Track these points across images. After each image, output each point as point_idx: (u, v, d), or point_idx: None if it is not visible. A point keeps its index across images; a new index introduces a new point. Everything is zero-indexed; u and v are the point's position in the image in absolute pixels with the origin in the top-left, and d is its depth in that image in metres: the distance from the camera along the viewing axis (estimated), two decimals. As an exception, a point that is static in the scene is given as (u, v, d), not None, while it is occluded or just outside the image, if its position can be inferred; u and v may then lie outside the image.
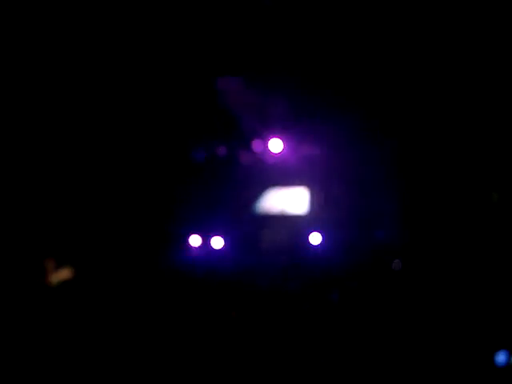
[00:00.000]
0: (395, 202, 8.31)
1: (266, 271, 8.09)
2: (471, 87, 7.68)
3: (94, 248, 8.13)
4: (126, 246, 8.15)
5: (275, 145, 8.38)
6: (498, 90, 7.57)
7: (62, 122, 7.84)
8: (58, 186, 7.92)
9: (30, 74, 7.67)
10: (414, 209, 7.98)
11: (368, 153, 8.33)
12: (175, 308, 7.72)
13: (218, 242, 8.27)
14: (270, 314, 7.65)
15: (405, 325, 7.20)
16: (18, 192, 7.73)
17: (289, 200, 8.71)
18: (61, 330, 7.29)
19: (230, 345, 7.39)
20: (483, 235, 7.59)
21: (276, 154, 8.50)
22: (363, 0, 7.50)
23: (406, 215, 8.01)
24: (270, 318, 7.63)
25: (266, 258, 8.26)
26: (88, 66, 7.79)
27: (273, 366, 7.11)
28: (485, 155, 7.71)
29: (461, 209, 7.73)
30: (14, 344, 7.02)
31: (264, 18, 7.67)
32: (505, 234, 7.58)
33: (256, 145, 8.50)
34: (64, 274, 8.01)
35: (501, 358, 6.62)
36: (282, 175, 8.63)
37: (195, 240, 8.33)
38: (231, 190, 8.47)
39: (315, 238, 8.49)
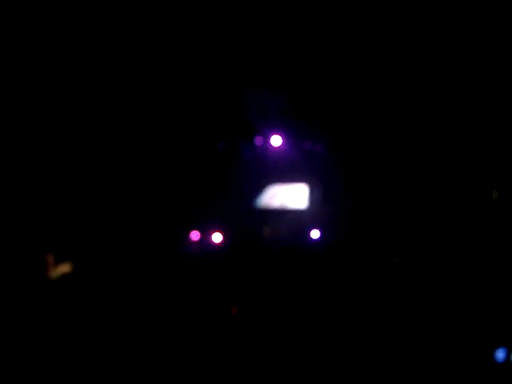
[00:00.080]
0: (394, 198, 8.33)
1: (267, 265, 8.12)
2: (472, 88, 7.69)
3: (94, 243, 8.14)
4: (125, 241, 8.15)
5: (275, 140, 8.40)
6: (498, 90, 7.59)
7: (64, 120, 7.85)
8: (59, 182, 7.93)
9: (35, 74, 7.67)
10: (413, 205, 8.00)
11: (368, 150, 8.35)
12: (175, 302, 7.73)
13: (217, 237, 8.29)
14: (270, 310, 7.67)
15: (404, 321, 7.22)
16: (19, 188, 7.73)
17: (289, 195, 8.73)
18: (60, 323, 7.29)
19: (230, 340, 7.41)
20: (483, 231, 7.62)
21: (276, 148, 8.51)
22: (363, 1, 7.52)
23: (406, 212, 8.03)
24: (270, 314, 7.65)
25: (267, 252, 8.28)
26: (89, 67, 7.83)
27: (272, 363, 7.12)
28: (485, 154, 7.74)
29: (462, 205, 7.76)
30: (15, 336, 7.02)
31: (265, 18, 7.68)
32: (504, 230, 7.61)
33: (257, 140, 8.51)
34: (64, 268, 8.02)
35: (500, 354, 6.64)
36: (283, 171, 8.65)
37: (195, 235, 8.35)
38: (232, 185, 8.48)
39: (315, 233, 8.52)
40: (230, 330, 7.47)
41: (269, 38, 7.70)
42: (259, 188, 8.61)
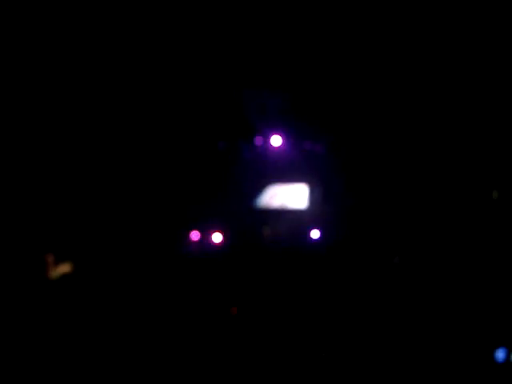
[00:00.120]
0: (394, 198, 8.33)
1: (266, 265, 8.11)
2: (472, 88, 7.69)
3: (94, 243, 8.14)
4: (125, 241, 8.16)
5: (275, 140, 8.40)
6: (499, 90, 7.59)
7: (65, 121, 7.85)
8: (59, 182, 7.93)
9: (35, 74, 7.67)
10: (413, 205, 8.00)
11: (368, 150, 8.35)
12: (175, 302, 7.73)
13: (217, 237, 8.29)
14: (270, 310, 7.67)
15: (404, 321, 7.22)
16: (19, 189, 7.74)
17: (289, 195, 8.73)
18: (61, 323, 7.29)
19: (230, 340, 7.41)
20: (484, 231, 7.62)
21: (276, 148, 8.51)
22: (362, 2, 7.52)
23: (406, 211, 8.03)
24: (270, 313, 7.64)
25: (267, 252, 8.28)
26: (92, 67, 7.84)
27: (273, 362, 7.12)
28: (485, 155, 7.74)
29: (462, 205, 7.76)
30: (16, 335, 7.03)
31: (264, 18, 7.68)
32: (504, 230, 7.62)
33: (257, 140, 8.51)
34: (64, 268, 8.03)
35: (500, 355, 6.63)
36: (283, 171, 8.65)
37: (195, 235, 8.35)
38: (231, 184, 8.48)
39: (315, 233, 8.52)
40: (230, 330, 7.47)
41: (268, 37, 7.70)
42: (259, 188, 8.61)
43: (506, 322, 6.97)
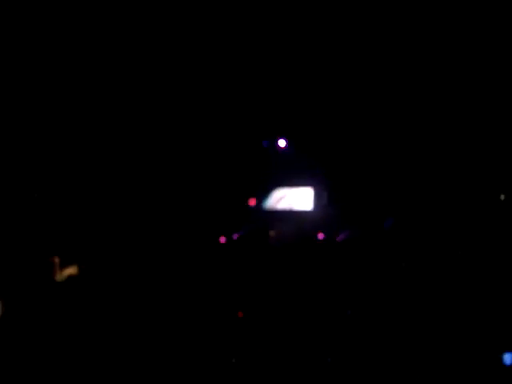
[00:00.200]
0: (402, 201, 8.36)
1: (274, 267, 8.12)
2: (479, 94, 7.71)
3: (99, 245, 8.16)
4: (131, 243, 8.17)
5: (282, 143, 8.43)
6: (507, 96, 7.61)
7: (75, 127, 7.91)
8: (66, 186, 7.98)
9: (35, 75, 7.69)
10: (422, 208, 8.03)
11: (376, 155, 8.39)
12: (181, 304, 7.73)
13: (224, 238, 8.32)
14: (275, 310, 7.66)
15: (412, 324, 7.21)
16: (26, 192, 7.77)
17: (296, 198, 8.76)
18: (67, 324, 7.29)
19: (235, 341, 7.39)
20: (491, 232, 7.65)
21: (282, 150, 8.54)
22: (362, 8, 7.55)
23: (416, 214, 8.05)
24: (276, 314, 7.64)
25: (274, 254, 8.29)
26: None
27: (277, 363, 7.10)
28: (494, 161, 7.78)
29: (471, 208, 7.79)
30: (22, 337, 7.03)
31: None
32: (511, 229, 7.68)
33: (265, 144, 8.54)
34: (70, 270, 8.04)
35: (509, 358, 6.61)
36: (290, 174, 8.70)
37: (202, 235, 8.37)
38: (240, 188, 8.52)
39: (321, 234, 8.55)
40: (234, 331, 7.46)
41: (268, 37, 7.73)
42: (266, 190, 8.66)
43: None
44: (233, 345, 7.25)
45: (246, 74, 7.94)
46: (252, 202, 8.19)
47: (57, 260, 7.86)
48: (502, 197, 7.56)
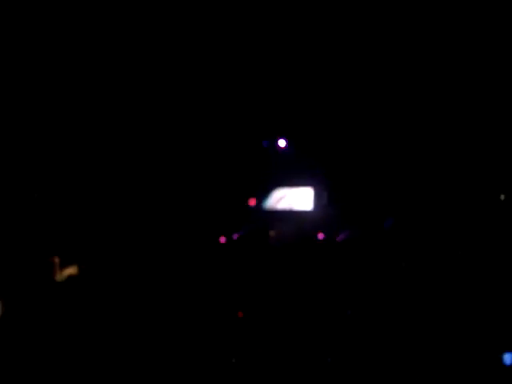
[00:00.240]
0: (402, 201, 8.36)
1: (274, 267, 8.13)
2: (480, 94, 7.73)
3: (99, 245, 8.17)
4: (131, 243, 8.18)
5: (282, 143, 8.44)
6: (504, 95, 7.62)
7: (79, 129, 7.93)
8: (66, 186, 7.99)
9: (35, 75, 7.71)
10: (423, 209, 8.04)
11: (378, 153, 8.40)
12: (180, 306, 7.73)
13: (224, 239, 8.33)
14: (276, 312, 7.67)
15: (411, 323, 7.21)
16: (27, 193, 7.79)
17: (296, 198, 8.77)
18: (67, 324, 7.30)
19: (236, 344, 7.39)
20: (491, 230, 7.67)
21: (282, 150, 8.54)
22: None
23: (416, 214, 8.06)
24: (277, 316, 7.64)
25: (274, 254, 8.30)
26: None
27: (278, 365, 7.10)
28: (494, 162, 7.80)
29: (472, 207, 7.81)
30: (22, 336, 7.04)
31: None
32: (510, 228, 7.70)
33: (265, 144, 8.55)
34: (70, 270, 8.05)
35: (508, 357, 6.61)
36: (290, 174, 8.71)
37: (202, 235, 8.37)
38: (240, 188, 8.53)
39: (321, 234, 8.56)
40: (234, 331, 7.46)
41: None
42: (267, 190, 8.67)
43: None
44: (233, 345, 7.25)
45: (246, 74, 7.95)
46: (252, 202, 8.19)
47: (57, 260, 7.87)
48: (502, 197, 7.57)
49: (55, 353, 6.97)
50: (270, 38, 7.83)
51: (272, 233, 8.43)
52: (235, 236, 8.23)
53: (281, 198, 8.72)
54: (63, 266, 7.94)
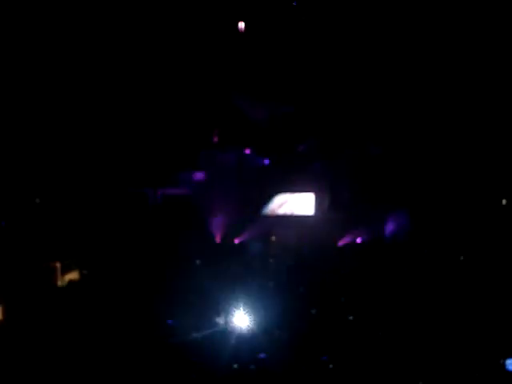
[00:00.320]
0: (404, 206, 8.38)
1: (276, 271, 8.13)
2: (480, 97, 7.75)
3: (100, 251, 8.19)
4: (132, 250, 8.20)
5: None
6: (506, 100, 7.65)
7: (83, 135, 7.96)
8: (68, 193, 8.02)
9: (35, 75, 7.72)
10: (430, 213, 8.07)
11: (380, 159, 8.42)
12: (179, 311, 7.71)
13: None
14: (278, 316, 7.65)
15: (412, 328, 7.19)
16: (29, 199, 7.82)
17: (297, 203, 8.79)
18: (67, 327, 7.29)
19: (237, 347, 7.37)
20: (493, 235, 7.68)
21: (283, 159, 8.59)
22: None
23: (418, 219, 8.08)
24: (278, 320, 7.62)
25: (276, 259, 8.31)
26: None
27: (278, 366, 7.07)
28: (496, 166, 7.82)
29: (472, 213, 7.82)
30: (24, 339, 7.03)
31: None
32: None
33: (265, 150, 8.58)
34: (71, 275, 8.05)
35: (510, 363, 6.57)
36: (292, 180, 8.74)
37: (204, 240, 8.38)
38: (241, 193, 8.54)
39: (323, 239, 8.60)
40: (236, 335, 7.44)
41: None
42: (268, 196, 8.70)
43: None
44: (234, 348, 7.23)
45: (246, 80, 7.98)
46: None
47: (58, 265, 7.87)
48: (504, 201, 7.58)
49: (56, 356, 6.96)
50: (267, 45, 7.88)
51: (274, 238, 8.45)
52: (237, 240, 8.24)
53: (282, 204, 8.74)
54: (64, 271, 7.94)
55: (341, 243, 8.64)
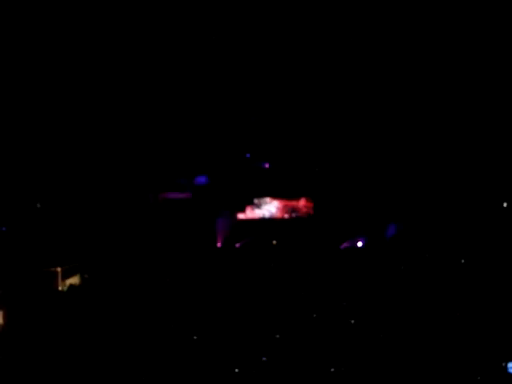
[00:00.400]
0: (403, 208, 8.37)
1: (275, 274, 8.12)
2: (480, 98, 7.74)
3: (101, 255, 8.19)
4: (133, 255, 8.20)
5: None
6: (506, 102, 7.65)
7: (86, 139, 7.97)
8: (69, 197, 8.03)
9: (35, 75, 7.72)
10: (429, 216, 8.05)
11: (378, 162, 8.41)
12: (181, 315, 7.71)
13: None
14: (277, 318, 7.64)
15: (412, 330, 7.18)
16: (30, 204, 7.82)
17: (294, 207, 8.79)
18: (68, 332, 7.29)
19: (238, 349, 7.36)
20: (494, 238, 7.67)
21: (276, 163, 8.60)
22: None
23: (417, 222, 8.06)
24: (278, 322, 7.61)
25: (275, 262, 8.30)
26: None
27: (279, 368, 7.06)
28: (497, 168, 7.82)
29: (473, 215, 7.81)
30: (25, 344, 7.03)
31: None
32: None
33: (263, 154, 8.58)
34: (72, 280, 8.05)
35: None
36: (288, 184, 8.75)
37: (204, 244, 8.37)
38: (239, 196, 8.54)
39: (322, 242, 8.59)
40: (236, 336, 7.43)
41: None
42: (264, 200, 8.70)
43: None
44: (234, 350, 7.22)
45: (244, 86, 8.00)
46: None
47: (59, 270, 7.87)
48: (505, 204, 7.57)
49: (57, 359, 6.96)
50: (262, 50, 7.90)
51: (272, 241, 8.45)
52: (238, 245, 8.24)
53: (279, 208, 8.74)
54: (65, 276, 7.94)
55: (341, 246, 8.64)
